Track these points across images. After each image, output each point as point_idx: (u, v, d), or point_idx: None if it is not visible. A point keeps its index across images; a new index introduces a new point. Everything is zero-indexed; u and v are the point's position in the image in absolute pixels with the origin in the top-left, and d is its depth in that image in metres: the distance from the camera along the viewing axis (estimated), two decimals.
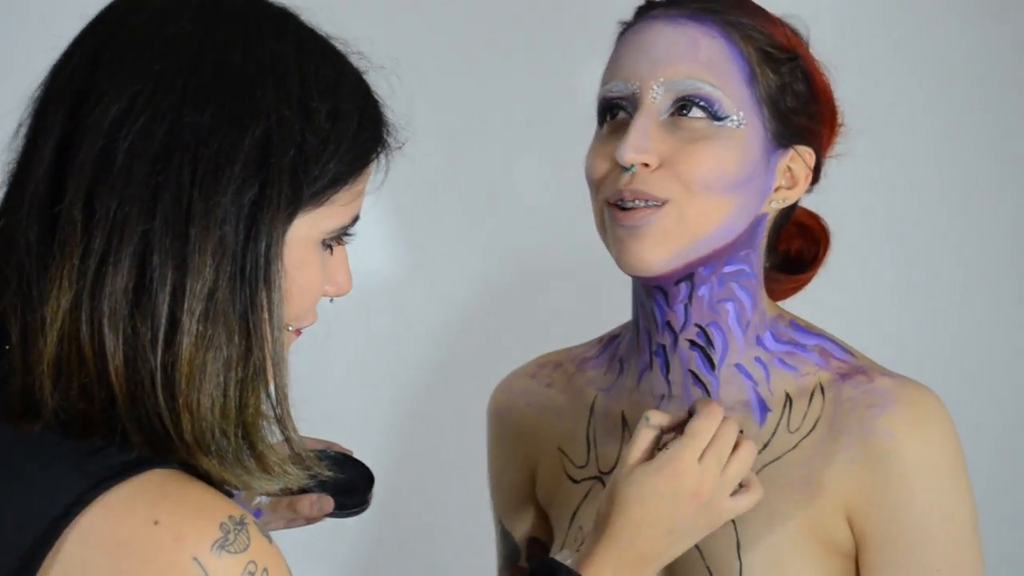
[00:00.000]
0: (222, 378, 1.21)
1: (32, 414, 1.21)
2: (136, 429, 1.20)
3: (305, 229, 1.26)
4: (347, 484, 1.59)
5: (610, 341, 1.70)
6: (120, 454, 1.20)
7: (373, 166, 1.30)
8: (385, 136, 1.31)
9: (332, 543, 2.34)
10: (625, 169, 1.49)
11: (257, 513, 1.58)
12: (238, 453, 1.23)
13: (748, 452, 1.46)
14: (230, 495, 1.23)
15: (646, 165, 1.49)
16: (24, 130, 1.26)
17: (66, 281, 1.20)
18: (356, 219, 1.31)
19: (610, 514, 1.45)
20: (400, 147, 1.32)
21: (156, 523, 1.16)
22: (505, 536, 1.75)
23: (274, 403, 1.25)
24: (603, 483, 1.62)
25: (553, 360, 1.74)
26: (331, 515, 1.60)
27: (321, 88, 1.26)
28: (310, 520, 1.61)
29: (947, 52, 2.50)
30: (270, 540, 1.21)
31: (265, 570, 1.19)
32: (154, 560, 1.16)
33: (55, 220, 1.21)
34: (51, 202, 1.22)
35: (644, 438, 1.47)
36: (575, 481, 1.66)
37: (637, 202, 1.49)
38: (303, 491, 1.57)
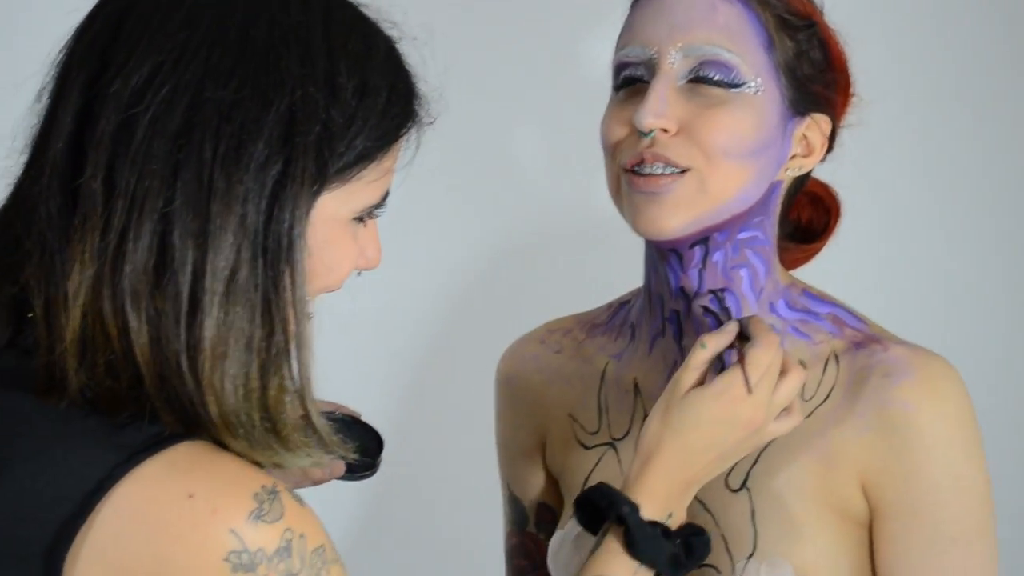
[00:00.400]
0: (244, 360, 1.20)
1: (57, 389, 1.20)
2: (166, 408, 1.19)
3: (333, 207, 1.24)
4: (356, 448, 1.58)
5: (620, 307, 1.70)
6: (151, 427, 1.19)
7: (402, 142, 1.28)
8: (416, 110, 1.28)
9: (330, 516, 2.34)
10: (643, 134, 1.49)
11: None
12: (263, 435, 1.21)
13: (797, 378, 1.46)
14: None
15: (664, 131, 1.49)
16: (46, 95, 1.24)
17: (88, 256, 1.18)
18: (386, 196, 1.29)
19: (663, 438, 1.45)
20: (432, 122, 1.30)
21: (191, 496, 1.16)
22: (513, 501, 1.75)
23: (296, 385, 1.23)
24: (615, 449, 1.62)
25: (562, 326, 1.74)
26: (341, 478, 1.59)
27: (349, 62, 1.23)
28: (317, 482, 1.61)
29: (966, 22, 2.49)
30: (302, 503, 1.21)
31: (302, 536, 1.19)
32: (190, 534, 1.16)
33: (76, 192, 1.19)
34: (71, 173, 1.20)
35: (699, 361, 1.46)
36: (587, 448, 1.65)
37: (656, 166, 1.49)
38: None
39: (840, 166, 1.61)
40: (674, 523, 1.45)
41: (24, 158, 1.25)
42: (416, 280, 2.35)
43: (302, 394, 1.24)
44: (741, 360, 1.45)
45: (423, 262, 2.35)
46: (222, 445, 1.20)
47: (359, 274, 1.31)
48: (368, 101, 1.24)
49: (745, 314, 1.55)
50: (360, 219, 1.27)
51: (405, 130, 1.28)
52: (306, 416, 1.24)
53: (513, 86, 2.36)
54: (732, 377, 1.45)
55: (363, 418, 1.64)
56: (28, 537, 1.16)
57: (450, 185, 2.34)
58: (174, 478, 1.16)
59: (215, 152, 1.18)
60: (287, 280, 1.21)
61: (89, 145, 1.19)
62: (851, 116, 1.60)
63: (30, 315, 1.22)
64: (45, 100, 1.24)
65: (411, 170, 2.30)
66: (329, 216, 1.24)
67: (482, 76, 2.34)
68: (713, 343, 1.47)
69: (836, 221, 1.66)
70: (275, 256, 1.20)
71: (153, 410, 1.19)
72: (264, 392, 1.21)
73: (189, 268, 1.18)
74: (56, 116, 1.22)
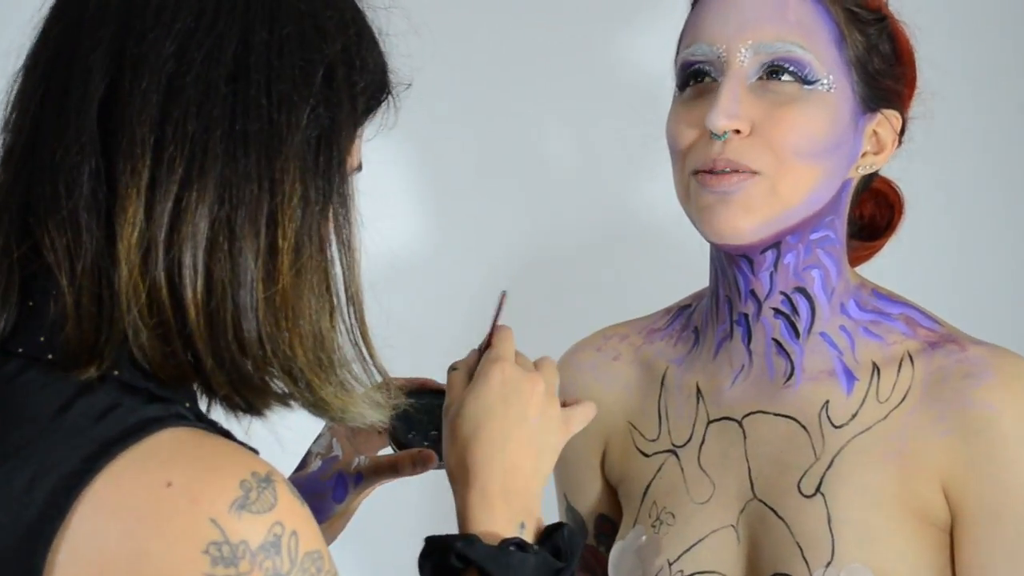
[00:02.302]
0: (316, 305, 1.16)
1: (84, 363, 1.13)
2: (218, 368, 1.14)
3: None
4: (438, 420, 1.51)
5: (680, 311, 1.67)
6: (129, 414, 1.12)
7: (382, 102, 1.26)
8: (387, 69, 1.26)
9: (381, 530, 2.30)
10: (716, 136, 1.46)
11: (358, 478, 1.50)
12: (337, 376, 1.18)
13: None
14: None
15: (737, 132, 1.46)
16: (44, 57, 1.18)
17: (135, 215, 1.12)
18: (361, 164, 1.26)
19: (464, 455, 1.36)
20: (408, 86, 1.27)
21: (169, 485, 1.08)
22: (571, 512, 1.71)
23: (358, 330, 1.20)
24: (677, 456, 1.59)
25: (618, 332, 1.70)
26: (440, 464, 1.49)
27: (358, 11, 1.23)
28: (405, 470, 1.53)
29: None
30: (301, 501, 1.13)
31: (294, 533, 1.10)
32: (168, 524, 1.08)
33: (109, 152, 1.14)
34: (103, 134, 1.14)
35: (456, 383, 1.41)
36: (647, 455, 1.62)
37: (727, 170, 1.46)
38: (401, 446, 1.50)
39: (909, 162, 1.58)
40: (529, 532, 1.35)
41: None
42: (454, 282, 2.32)
43: (361, 334, 1.20)
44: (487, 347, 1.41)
45: (460, 264, 2.32)
46: (213, 426, 1.15)
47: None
48: (375, 48, 1.23)
49: (817, 316, 1.52)
50: None
51: (385, 90, 1.25)
52: (369, 355, 1.20)
53: (546, 86, 2.33)
54: (485, 361, 1.39)
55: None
56: (4, 544, 1.10)
57: (485, 187, 2.31)
58: (152, 467, 1.09)
59: (274, 95, 1.15)
60: (348, 225, 1.19)
61: (125, 104, 1.14)
62: (914, 110, 1.58)
63: (54, 292, 1.15)
64: (41, 62, 1.18)
65: (448, 171, 2.29)
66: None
67: (515, 76, 2.31)
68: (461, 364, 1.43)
69: (899, 217, 1.63)
70: (339, 202, 1.18)
71: (206, 376, 1.14)
72: (332, 333, 1.18)
73: (262, 218, 1.14)
74: (73, 78, 1.15)
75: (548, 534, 1.35)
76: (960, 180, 2.36)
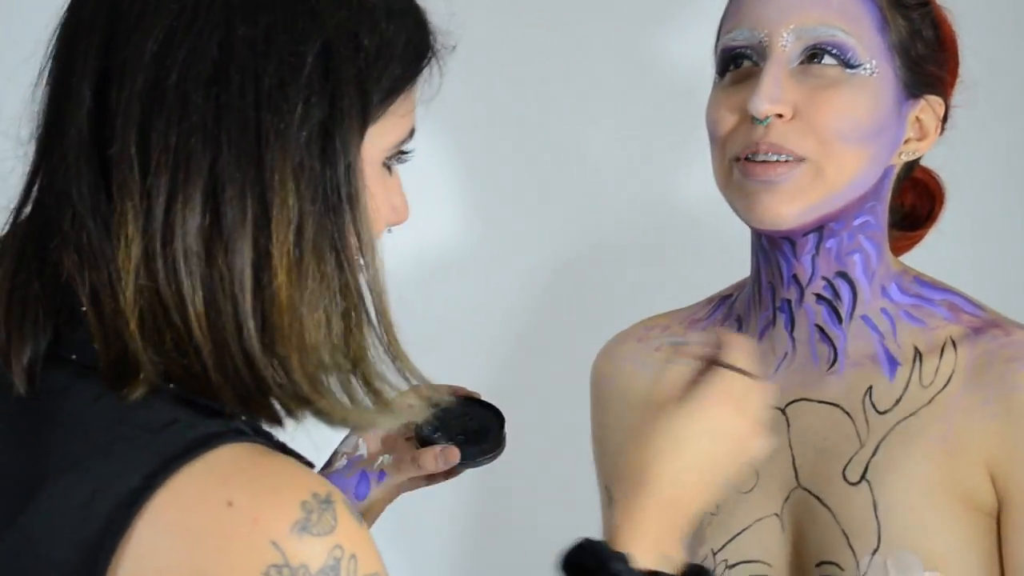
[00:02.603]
0: (323, 312, 1.11)
1: (130, 377, 1.11)
2: (224, 382, 1.11)
3: (368, 146, 1.15)
4: (476, 429, 1.52)
5: (721, 301, 1.66)
6: (188, 429, 1.10)
7: (427, 71, 1.19)
8: (434, 33, 1.19)
9: (424, 527, 2.30)
10: (758, 121, 1.46)
11: (381, 475, 1.50)
12: (351, 388, 1.13)
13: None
14: (322, 465, 1.15)
15: (779, 116, 1.45)
16: (48, 75, 1.15)
17: (131, 228, 1.09)
18: (412, 132, 1.20)
19: (644, 466, 1.31)
20: (453, 47, 1.20)
21: (230, 504, 1.06)
22: (612, 504, 1.71)
23: (380, 332, 1.15)
24: None
25: (660, 323, 1.69)
26: (464, 464, 1.50)
27: None
28: (435, 478, 1.53)
29: None
30: (360, 522, 1.10)
31: (353, 557, 1.08)
32: (228, 545, 1.06)
33: (105, 166, 1.10)
34: (97, 148, 1.11)
35: (671, 375, 1.34)
36: None
37: (771, 155, 1.45)
38: (425, 443, 1.50)
39: (951, 150, 1.58)
40: (672, 565, 1.29)
41: (32, 149, 1.17)
42: (503, 276, 2.31)
43: (386, 339, 1.15)
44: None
45: (509, 258, 2.32)
46: (270, 440, 1.12)
47: (389, 231, 1.22)
48: (397, 23, 1.15)
49: (858, 300, 1.52)
50: (387, 166, 1.19)
51: (432, 54, 1.18)
52: (395, 360, 1.15)
53: (589, 82, 2.33)
54: (712, 382, 1.32)
55: (481, 397, 1.55)
56: (64, 559, 1.08)
57: (532, 181, 2.31)
58: (212, 485, 1.07)
59: (257, 96, 1.09)
60: (352, 223, 1.12)
61: (114, 113, 1.10)
62: (956, 98, 1.57)
63: (76, 305, 1.13)
64: (48, 80, 1.15)
65: (490, 168, 2.28)
66: (367, 157, 1.15)
67: (557, 73, 2.31)
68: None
69: (940, 208, 1.63)
70: (337, 198, 1.11)
71: (215, 390, 1.11)
72: (348, 341, 1.12)
73: (250, 223, 1.09)
74: (68, 92, 1.12)
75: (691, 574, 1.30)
76: (997, 171, 2.35)
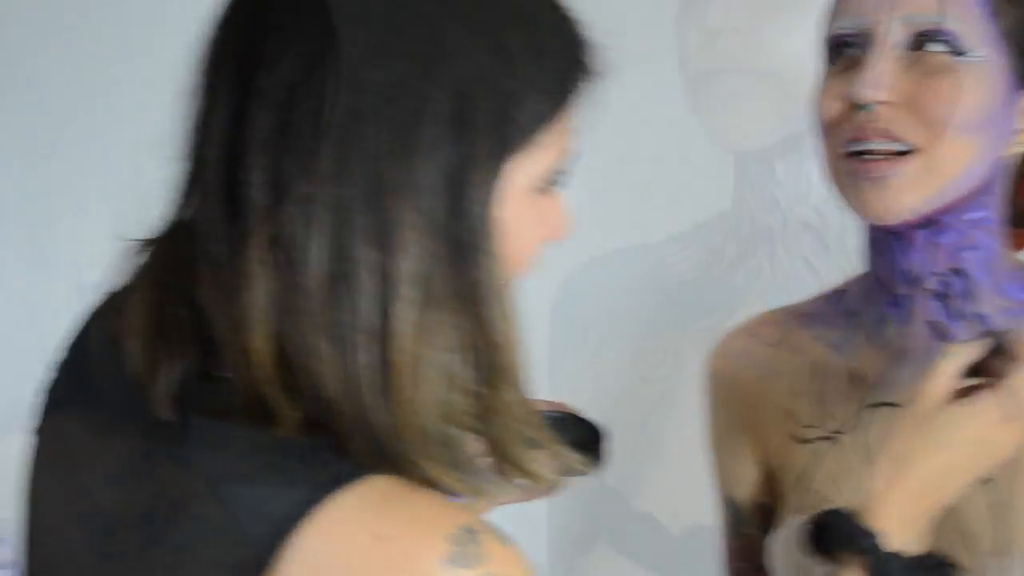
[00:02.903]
0: (449, 369, 1.09)
1: (265, 415, 1.10)
2: (356, 436, 1.09)
3: (512, 178, 1.12)
4: (579, 443, 1.51)
5: (835, 295, 1.64)
6: (335, 460, 1.09)
7: (579, 97, 1.16)
8: (588, 61, 1.16)
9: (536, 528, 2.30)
10: (862, 107, 1.43)
11: None
12: (467, 456, 1.12)
13: None
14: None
15: (884, 103, 1.43)
16: (198, 95, 1.15)
17: (260, 269, 1.09)
18: (569, 156, 1.17)
19: (913, 455, 1.36)
20: (609, 71, 1.17)
21: (381, 539, 1.06)
22: (729, 504, 1.70)
23: (515, 395, 1.12)
24: (836, 443, 1.56)
25: (773, 319, 1.67)
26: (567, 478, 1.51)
27: (515, 18, 1.12)
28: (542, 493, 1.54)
29: None
30: (505, 542, 1.09)
31: None
32: None
33: (239, 203, 1.10)
34: (233, 180, 1.10)
35: (948, 371, 1.39)
36: (803, 442, 1.59)
37: (880, 142, 1.43)
38: None
39: None
40: (916, 550, 1.35)
41: (180, 166, 1.17)
42: (613, 275, 2.32)
43: (521, 403, 1.13)
44: (996, 377, 1.37)
45: (621, 256, 2.32)
46: (418, 478, 1.10)
47: (545, 247, 1.19)
48: (539, 59, 1.12)
49: (974, 296, 1.49)
50: (541, 189, 1.16)
51: (580, 84, 1.15)
52: (531, 428, 1.14)
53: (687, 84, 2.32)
54: (996, 399, 1.36)
55: (581, 414, 1.56)
56: None
57: (634, 181, 2.31)
58: (363, 518, 1.07)
59: (382, 140, 1.08)
60: (484, 273, 1.10)
61: (247, 147, 1.09)
62: None
63: (215, 335, 1.13)
64: (197, 101, 1.15)
65: (594, 172, 2.28)
66: (511, 188, 1.12)
67: (656, 75, 2.30)
68: (965, 353, 1.40)
69: None
70: (467, 248, 1.10)
71: (343, 439, 1.09)
72: (478, 403, 1.11)
73: (373, 274, 1.08)
74: (210, 118, 1.12)
75: (934, 563, 1.36)
76: None
